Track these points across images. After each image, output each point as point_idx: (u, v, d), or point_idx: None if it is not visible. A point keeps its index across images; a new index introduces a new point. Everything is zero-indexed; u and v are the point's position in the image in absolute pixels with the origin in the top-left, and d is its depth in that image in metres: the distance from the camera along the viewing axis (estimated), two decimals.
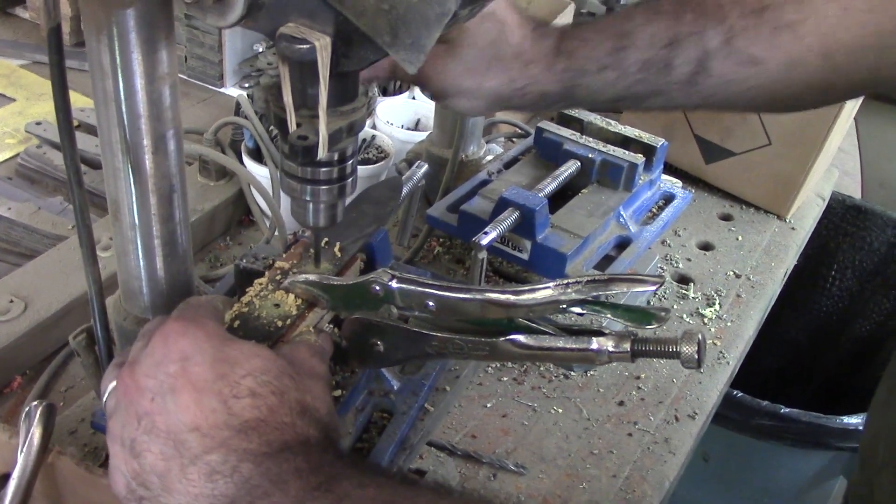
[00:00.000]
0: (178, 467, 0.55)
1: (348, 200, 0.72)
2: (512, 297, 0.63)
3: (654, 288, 0.62)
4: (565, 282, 0.63)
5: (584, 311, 0.64)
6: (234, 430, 0.56)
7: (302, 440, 0.58)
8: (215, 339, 0.60)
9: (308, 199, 0.67)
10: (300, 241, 0.80)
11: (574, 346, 0.64)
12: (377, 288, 0.68)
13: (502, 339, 0.65)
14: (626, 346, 0.62)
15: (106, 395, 0.64)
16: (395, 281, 0.67)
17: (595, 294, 0.62)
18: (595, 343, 0.63)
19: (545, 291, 0.63)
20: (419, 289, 0.66)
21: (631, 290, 0.63)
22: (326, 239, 0.80)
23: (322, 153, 0.60)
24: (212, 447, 0.55)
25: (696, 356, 0.60)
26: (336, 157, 0.65)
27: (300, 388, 0.60)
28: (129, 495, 0.58)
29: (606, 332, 0.64)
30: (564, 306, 0.63)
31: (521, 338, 0.65)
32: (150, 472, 0.57)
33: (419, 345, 0.69)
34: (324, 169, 0.65)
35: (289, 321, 0.71)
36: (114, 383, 0.63)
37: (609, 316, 0.63)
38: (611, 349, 0.63)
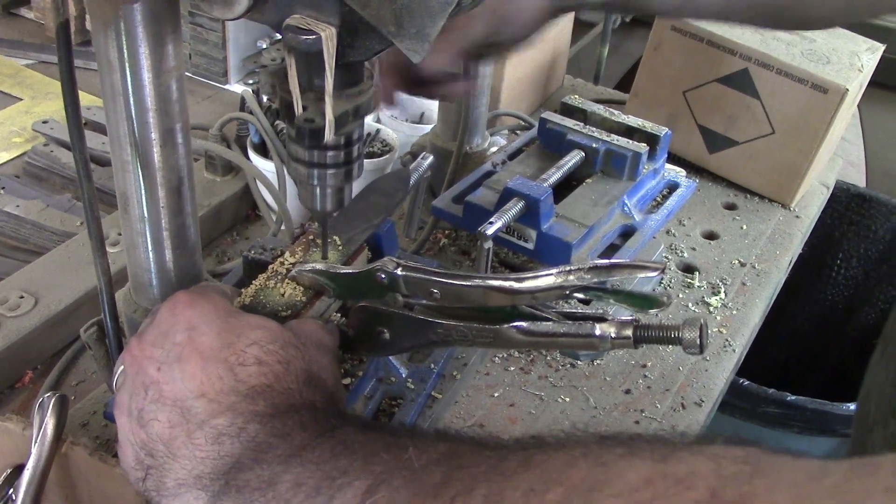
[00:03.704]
0: (185, 433, 0.56)
1: (355, 188, 0.73)
2: (515, 284, 0.64)
3: (656, 274, 0.62)
4: (568, 268, 0.63)
5: (588, 297, 0.65)
6: (241, 395, 0.57)
7: (308, 404, 0.59)
8: (221, 311, 0.61)
9: (315, 183, 0.67)
10: (307, 232, 0.81)
11: (577, 332, 0.64)
12: (382, 276, 0.68)
13: (506, 326, 0.66)
14: (629, 332, 0.63)
15: (116, 375, 0.64)
16: (400, 269, 0.68)
17: (598, 280, 0.63)
18: (598, 329, 0.63)
19: (548, 278, 0.63)
20: (424, 276, 0.67)
21: (633, 275, 0.63)
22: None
23: (329, 136, 0.60)
24: (218, 411, 0.56)
25: (699, 341, 0.60)
26: (342, 141, 0.65)
27: (306, 359, 0.61)
28: (137, 466, 0.58)
29: (609, 318, 0.64)
30: (567, 293, 0.64)
31: (524, 324, 0.65)
32: (156, 440, 0.57)
33: (425, 332, 0.69)
34: (330, 153, 0.65)
35: (295, 310, 0.71)
36: (122, 366, 0.64)
37: (612, 301, 0.64)
38: (613, 335, 0.63)
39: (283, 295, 0.73)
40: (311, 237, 0.80)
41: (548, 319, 0.66)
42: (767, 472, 0.38)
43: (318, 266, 0.73)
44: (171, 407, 0.57)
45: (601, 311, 0.65)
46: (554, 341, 0.65)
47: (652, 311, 0.63)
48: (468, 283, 0.66)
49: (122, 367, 0.64)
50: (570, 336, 0.64)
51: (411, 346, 0.73)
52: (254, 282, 0.75)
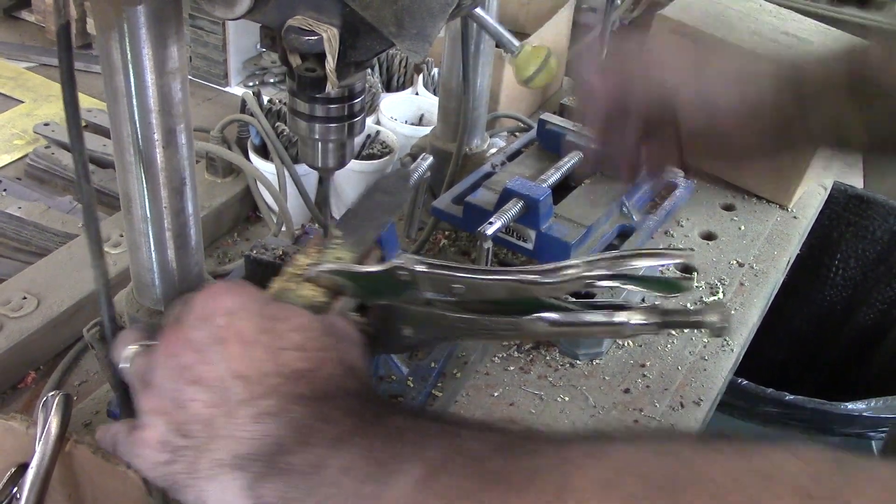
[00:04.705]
0: (225, 413, 0.55)
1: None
2: (540, 277, 0.64)
3: (680, 260, 0.62)
4: (592, 258, 0.63)
5: (612, 285, 0.64)
6: (284, 378, 0.56)
7: (350, 392, 0.58)
8: (259, 299, 0.61)
9: (317, 137, 0.67)
10: (317, 234, 0.80)
11: (602, 319, 0.64)
12: (404, 274, 0.68)
13: (530, 317, 0.65)
14: (654, 318, 0.63)
15: (127, 360, 0.63)
16: (421, 266, 0.67)
17: (620, 269, 0.62)
18: (623, 316, 0.63)
19: (573, 269, 0.63)
20: (446, 273, 0.66)
21: (657, 264, 0.63)
22: (340, 234, 0.80)
23: (331, 87, 0.59)
24: (260, 393, 0.55)
25: (723, 324, 0.60)
26: (344, 93, 0.65)
27: (340, 349, 0.61)
28: (162, 449, 0.57)
29: (632, 305, 0.64)
30: (591, 282, 0.63)
31: (549, 315, 0.65)
32: (194, 421, 0.56)
33: (447, 328, 0.69)
34: (332, 106, 0.65)
35: (316, 311, 0.71)
36: (134, 347, 0.63)
37: (635, 288, 0.64)
38: (639, 322, 0.63)
39: (303, 296, 0.72)
40: (325, 239, 0.79)
41: (570, 309, 0.65)
42: (855, 470, 0.37)
43: (337, 266, 0.72)
44: (211, 388, 0.56)
45: (621, 300, 0.65)
46: (579, 330, 0.65)
47: (677, 294, 0.63)
48: (492, 278, 0.65)
49: (131, 348, 0.63)
50: (595, 324, 0.64)
51: (432, 341, 0.72)
52: (272, 285, 0.74)
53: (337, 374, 0.58)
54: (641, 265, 0.62)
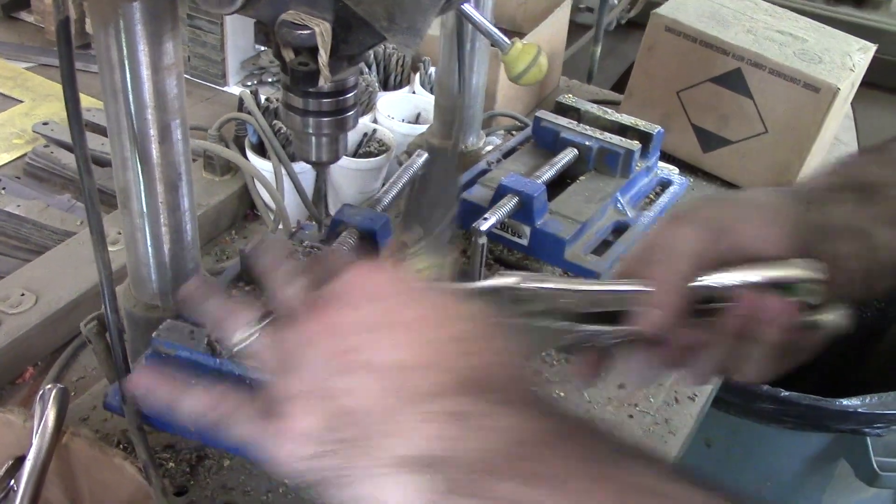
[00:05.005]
0: (402, 405, 0.47)
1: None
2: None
3: (810, 273, 0.60)
4: (707, 270, 0.61)
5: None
6: (475, 371, 0.48)
7: (553, 404, 0.50)
8: (418, 285, 0.54)
9: (310, 132, 0.68)
10: (392, 243, 0.78)
11: None
12: (510, 293, 0.63)
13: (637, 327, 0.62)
14: None
15: (245, 340, 0.53)
16: (529, 283, 0.63)
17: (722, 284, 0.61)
18: None
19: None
20: (550, 286, 0.63)
21: (782, 275, 0.61)
22: (420, 234, 0.79)
23: (324, 81, 0.59)
24: (453, 388, 0.47)
25: (843, 320, 0.58)
26: (338, 88, 0.65)
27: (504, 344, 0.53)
28: (313, 440, 0.48)
29: None
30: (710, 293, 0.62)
31: None
32: (361, 410, 0.47)
33: (550, 340, 0.66)
34: (325, 100, 0.66)
35: None
36: (246, 331, 0.53)
37: None
38: None
39: None
40: (397, 245, 0.77)
41: None
42: None
43: (440, 282, 0.68)
44: (384, 376, 0.48)
45: None
46: None
47: (806, 301, 0.61)
48: (607, 289, 0.63)
49: (248, 333, 0.53)
50: None
51: (534, 353, 0.70)
52: None
53: (517, 375, 0.50)
54: (763, 276, 0.60)
